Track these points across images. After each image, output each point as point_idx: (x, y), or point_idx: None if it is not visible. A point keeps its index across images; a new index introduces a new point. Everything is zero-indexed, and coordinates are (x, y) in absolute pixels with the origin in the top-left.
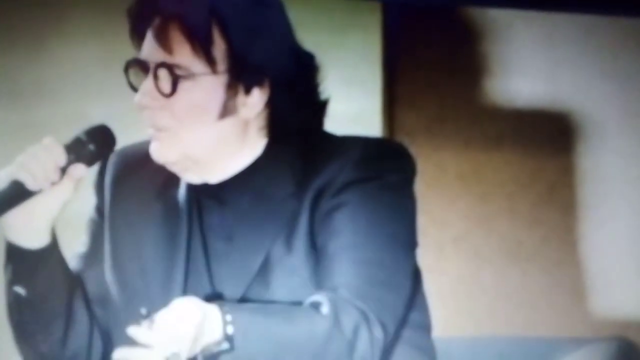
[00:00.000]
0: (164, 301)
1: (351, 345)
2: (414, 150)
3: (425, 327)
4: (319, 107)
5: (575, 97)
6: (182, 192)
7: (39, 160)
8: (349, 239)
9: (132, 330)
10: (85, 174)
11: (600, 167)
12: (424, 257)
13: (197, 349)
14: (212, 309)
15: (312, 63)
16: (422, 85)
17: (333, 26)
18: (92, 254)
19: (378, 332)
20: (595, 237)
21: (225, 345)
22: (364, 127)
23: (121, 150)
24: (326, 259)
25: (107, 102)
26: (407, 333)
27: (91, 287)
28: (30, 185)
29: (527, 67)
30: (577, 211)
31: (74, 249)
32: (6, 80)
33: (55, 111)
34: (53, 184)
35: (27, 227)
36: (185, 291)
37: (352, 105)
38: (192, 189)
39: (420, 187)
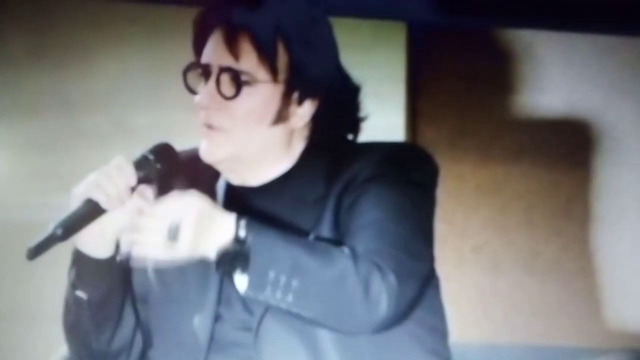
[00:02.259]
0: (201, 301)
1: (365, 287)
2: None
3: (442, 332)
4: (357, 123)
5: (592, 112)
6: (220, 195)
7: (113, 181)
8: (369, 216)
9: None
10: (153, 194)
11: (617, 180)
12: (444, 265)
13: (201, 244)
14: (224, 213)
15: (355, 81)
16: (444, 101)
17: (360, 45)
18: None
19: (392, 279)
20: (612, 249)
21: (236, 245)
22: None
23: None
24: (348, 237)
25: (151, 112)
26: (424, 337)
27: (136, 286)
28: (104, 204)
29: (546, 84)
30: (594, 223)
31: (120, 249)
32: (60, 91)
33: (103, 120)
34: (123, 202)
35: (97, 239)
36: (220, 290)
37: (377, 120)
38: (231, 191)
39: (441, 198)
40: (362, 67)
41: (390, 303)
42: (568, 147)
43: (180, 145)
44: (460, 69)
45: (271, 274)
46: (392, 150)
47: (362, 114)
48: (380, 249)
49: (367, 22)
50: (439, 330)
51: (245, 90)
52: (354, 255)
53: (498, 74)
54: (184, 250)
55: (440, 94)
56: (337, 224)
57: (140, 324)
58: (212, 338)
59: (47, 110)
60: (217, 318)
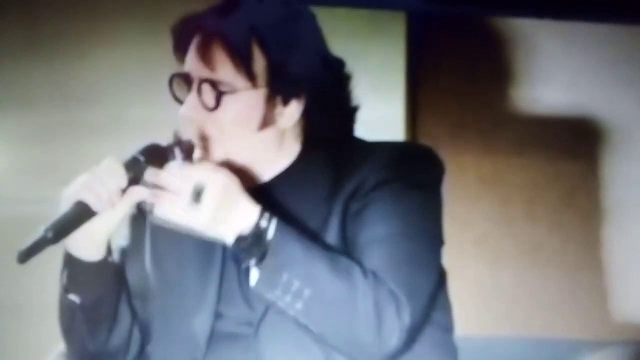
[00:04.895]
0: (200, 298)
1: (378, 320)
2: None
3: (448, 327)
4: (350, 114)
5: (594, 103)
6: None
7: (104, 182)
8: (378, 230)
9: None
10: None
11: (620, 172)
12: (445, 257)
13: (221, 220)
14: (250, 200)
15: (344, 72)
16: (445, 91)
17: (359, 34)
18: (134, 248)
19: (406, 317)
20: (615, 241)
21: (255, 234)
22: (387, 132)
23: None
24: (357, 250)
25: (146, 105)
26: (430, 332)
27: (132, 280)
28: (94, 206)
29: (548, 75)
30: (597, 215)
31: (116, 243)
32: (54, 85)
33: (99, 113)
34: (114, 204)
35: (87, 242)
36: (220, 288)
37: (377, 111)
38: None
39: (442, 190)
40: (361, 58)
41: (401, 338)
42: (570, 139)
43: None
44: (460, 59)
45: (285, 276)
46: (398, 152)
47: (353, 103)
48: (395, 272)
49: (365, 11)
50: (445, 325)
51: (227, 99)
52: (376, 283)
53: (499, 64)
54: (204, 216)
55: (441, 85)
56: (344, 230)
57: (137, 320)
58: (211, 334)
59: (43, 104)
60: (217, 316)
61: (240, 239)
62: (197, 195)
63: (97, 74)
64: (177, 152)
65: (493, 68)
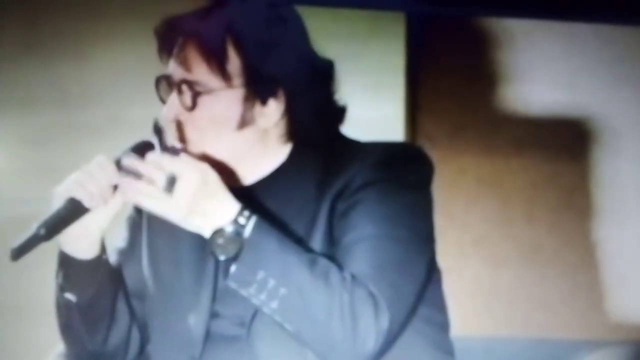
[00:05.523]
0: (196, 298)
1: (354, 323)
2: (435, 155)
3: (444, 326)
4: (336, 113)
5: (592, 104)
6: None
7: (96, 179)
8: (363, 231)
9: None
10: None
11: (618, 172)
12: (444, 258)
13: (197, 213)
14: (230, 196)
15: (328, 71)
16: (444, 92)
17: (359, 35)
18: (131, 249)
19: (384, 321)
20: (613, 242)
21: (233, 230)
22: (387, 133)
23: None
24: (341, 251)
25: (146, 105)
26: (426, 332)
27: (130, 281)
28: (87, 203)
29: (546, 75)
30: (595, 216)
31: (114, 244)
32: (54, 85)
33: (98, 113)
34: (106, 201)
35: (80, 240)
36: (215, 288)
37: (376, 112)
38: None
39: (441, 191)
40: (361, 58)
41: (378, 341)
42: (569, 139)
43: None
44: (460, 59)
45: (260, 274)
46: (387, 152)
47: (339, 103)
48: (378, 274)
49: (365, 12)
50: (442, 324)
51: (204, 100)
52: (353, 285)
53: (498, 64)
54: (177, 207)
55: (440, 86)
56: (330, 229)
57: (136, 320)
58: (208, 334)
59: (42, 104)
60: (213, 315)
61: (216, 234)
62: (170, 184)
63: (96, 74)
64: (156, 142)
65: (492, 69)
